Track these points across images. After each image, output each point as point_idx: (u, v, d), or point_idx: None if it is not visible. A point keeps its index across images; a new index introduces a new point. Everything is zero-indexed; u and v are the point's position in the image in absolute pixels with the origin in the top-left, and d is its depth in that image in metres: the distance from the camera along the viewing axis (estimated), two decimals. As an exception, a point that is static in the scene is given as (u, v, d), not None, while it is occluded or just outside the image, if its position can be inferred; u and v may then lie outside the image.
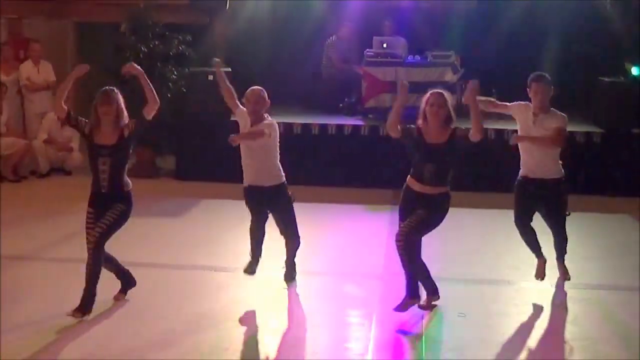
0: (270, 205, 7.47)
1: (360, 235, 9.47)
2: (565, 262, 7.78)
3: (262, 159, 7.33)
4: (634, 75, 12.10)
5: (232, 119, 11.87)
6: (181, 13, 13.27)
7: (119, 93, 6.93)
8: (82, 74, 7.05)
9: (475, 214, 10.44)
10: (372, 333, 6.60)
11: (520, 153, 7.70)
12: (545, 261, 7.78)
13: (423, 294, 7.07)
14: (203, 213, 10.46)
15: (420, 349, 6.34)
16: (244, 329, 6.67)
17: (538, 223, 7.74)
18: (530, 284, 7.84)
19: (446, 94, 6.94)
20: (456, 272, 8.12)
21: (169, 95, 12.18)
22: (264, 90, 7.47)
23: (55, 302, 7.02)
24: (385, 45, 12.86)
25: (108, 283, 7.10)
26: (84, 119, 6.94)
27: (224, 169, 11.04)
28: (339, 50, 13.58)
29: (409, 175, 6.94)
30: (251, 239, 7.56)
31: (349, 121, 12.30)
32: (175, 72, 12.35)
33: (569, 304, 7.36)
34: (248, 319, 6.87)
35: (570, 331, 6.76)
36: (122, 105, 6.92)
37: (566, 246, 7.73)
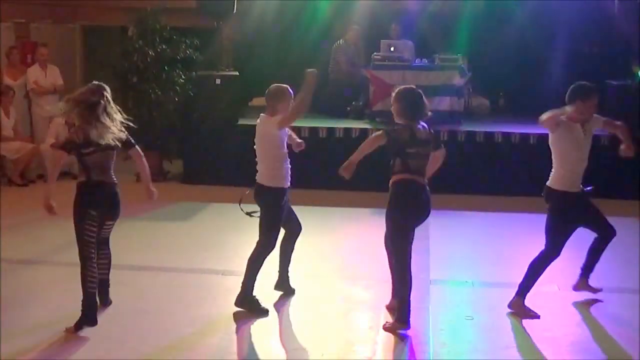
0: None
1: (367, 239, 9.45)
2: (580, 266, 7.71)
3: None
4: (642, 79, 12.08)
5: (239, 122, 11.98)
6: (189, 17, 13.30)
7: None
8: None
9: (481, 217, 10.42)
10: (379, 336, 6.60)
11: (567, 167, 7.09)
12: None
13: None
14: (211, 217, 10.46)
15: (428, 351, 6.33)
16: (252, 332, 6.67)
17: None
18: (537, 288, 7.81)
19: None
20: (463, 275, 8.11)
21: (176, 99, 12.21)
22: (284, 87, 7.17)
23: (62, 306, 7.02)
24: (392, 49, 12.87)
25: (112, 287, 7.12)
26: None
27: (231, 173, 11.06)
28: (346, 54, 13.59)
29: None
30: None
31: (357, 125, 12.29)
32: (182, 76, 12.36)
33: (577, 307, 7.34)
34: (256, 323, 6.87)
35: (577, 334, 6.74)
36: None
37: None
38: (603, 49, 13.49)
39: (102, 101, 6.52)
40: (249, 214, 7.16)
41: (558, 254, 7.17)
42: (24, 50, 13.76)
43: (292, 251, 7.45)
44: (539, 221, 10.30)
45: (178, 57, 12.47)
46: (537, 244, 9.35)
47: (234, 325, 6.79)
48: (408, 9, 14.11)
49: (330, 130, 11.99)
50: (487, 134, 11.76)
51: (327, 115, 12.87)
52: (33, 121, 13.09)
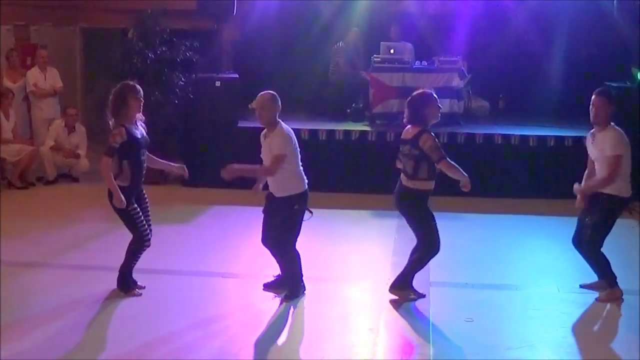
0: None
1: (367, 241, 9.47)
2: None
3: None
4: (640, 81, 12.09)
5: (239, 125, 11.99)
6: (188, 19, 13.29)
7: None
8: None
9: (481, 219, 10.42)
10: (379, 338, 6.60)
11: (619, 170, 7.28)
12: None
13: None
14: (211, 219, 10.46)
15: (428, 354, 6.33)
16: (252, 334, 6.68)
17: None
18: (537, 289, 7.84)
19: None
20: (463, 278, 8.11)
21: (176, 101, 12.21)
22: (273, 94, 7.29)
23: (62, 309, 7.03)
24: (392, 51, 12.87)
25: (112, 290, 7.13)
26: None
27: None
28: (346, 56, 13.59)
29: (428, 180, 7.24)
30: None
31: (356, 127, 12.30)
32: (182, 79, 12.36)
33: (576, 309, 7.35)
34: (256, 325, 6.87)
35: (577, 336, 6.74)
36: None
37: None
38: (602, 50, 13.50)
39: None
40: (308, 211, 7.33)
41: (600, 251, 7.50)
42: (24, 52, 13.75)
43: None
44: (538, 223, 10.38)
45: (178, 60, 12.47)
46: (536, 246, 9.41)
47: (233, 327, 6.80)
48: (408, 11, 14.12)
49: (330, 132, 11.99)
50: (486, 135, 11.76)
51: (327, 118, 12.88)
52: (33, 123, 13.08)
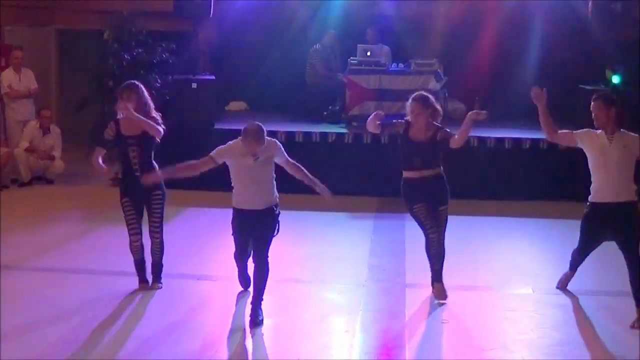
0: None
1: (343, 243, 9.48)
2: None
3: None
4: (614, 83, 12.18)
5: (216, 127, 11.96)
6: (165, 21, 13.25)
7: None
8: None
9: (456, 221, 10.42)
10: (355, 340, 6.61)
11: (594, 175, 7.14)
12: (573, 274, 7.70)
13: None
14: (187, 222, 10.43)
15: (404, 355, 6.35)
16: (228, 336, 6.67)
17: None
18: (512, 291, 7.88)
19: (426, 100, 7.72)
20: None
21: (152, 103, 12.16)
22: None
23: (38, 312, 6.99)
24: (369, 53, 12.88)
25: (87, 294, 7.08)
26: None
27: (207, 178, 10.97)
28: (323, 58, 13.59)
29: (403, 170, 7.46)
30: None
31: (333, 129, 12.31)
32: (158, 80, 12.32)
33: (551, 310, 7.39)
34: (232, 327, 6.86)
35: (552, 337, 6.78)
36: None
37: None
38: (576, 53, 13.60)
39: None
40: None
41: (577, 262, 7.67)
42: (-2, 53, 13.67)
43: None
44: (514, 224, 10.43)
45: (154, 61, 12.43)
46: (512, 247, 9.46)
47: (207, 330, 6.78)
48: (384, 14, 14.16)
49: (307, 134, 11.99)
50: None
51: (304, 120, 12.88)
52: (7, 125, 12.96)
